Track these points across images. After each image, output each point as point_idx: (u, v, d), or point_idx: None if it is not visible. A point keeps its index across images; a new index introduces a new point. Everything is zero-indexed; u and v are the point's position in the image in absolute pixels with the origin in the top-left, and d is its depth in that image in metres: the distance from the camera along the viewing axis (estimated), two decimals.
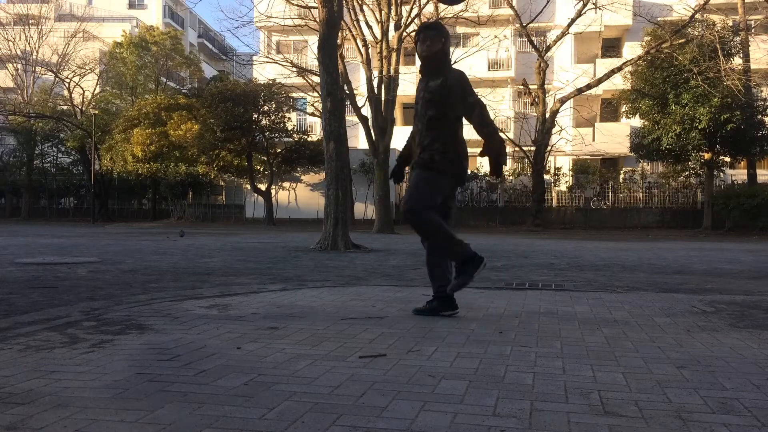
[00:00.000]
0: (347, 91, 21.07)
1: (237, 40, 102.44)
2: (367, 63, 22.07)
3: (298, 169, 28.68)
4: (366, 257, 9.13)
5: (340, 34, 15.99)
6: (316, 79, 20.78)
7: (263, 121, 26.83)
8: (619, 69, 22.90)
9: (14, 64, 37.35)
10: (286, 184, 30.02)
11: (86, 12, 42.22)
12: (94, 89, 35.93)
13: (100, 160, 31.87)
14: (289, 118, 28.42)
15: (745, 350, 2.77)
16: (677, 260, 8.99)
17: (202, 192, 33.14)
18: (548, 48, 25.19)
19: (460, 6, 23.54)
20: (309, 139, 28.60)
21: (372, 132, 21.98)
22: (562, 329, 3.27)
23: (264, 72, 28.45)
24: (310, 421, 1.77)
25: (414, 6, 22.18)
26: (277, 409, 1.87)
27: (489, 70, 31.54)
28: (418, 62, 4.03)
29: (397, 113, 28.59)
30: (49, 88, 36.21)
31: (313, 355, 2.59)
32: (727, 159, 23.07)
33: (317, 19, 14.16)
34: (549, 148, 24.92)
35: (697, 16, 22.06)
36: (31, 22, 38.48)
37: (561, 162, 30.11)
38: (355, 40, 22.46)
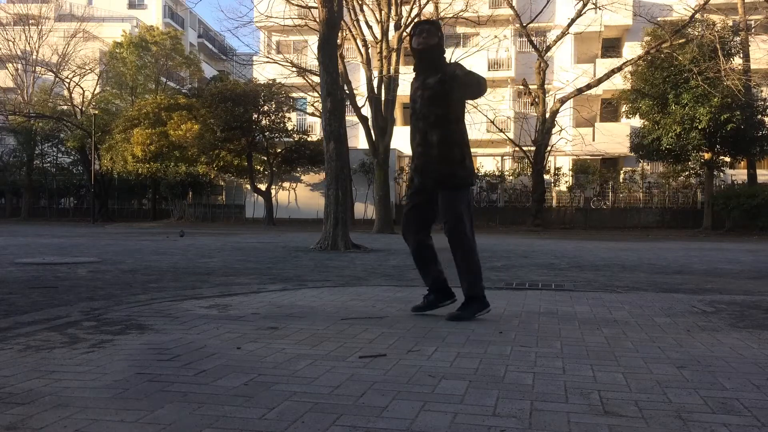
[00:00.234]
0: (347, 91, 21.07)
1: (237, 40, 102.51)
2: (367, 63, 22.06)
3: (298, 169, 28.68)
4: (366, 257, 9.13)
5: (340, 34, 15.99)
6: (316, 79, 20.78)
7: (263, 121, 26.83)
8: (619, 69, 22.89)
9: (14, 64, 37.34)
10: (286, 184, 30.02)
11: (86, 12, 42.21)
12: (94, 89, 35.92)
13: (100, 160, 31.87)
14: (289, 118, 28.42)
15: (745, 350, 2.77)
16: (677, 260, 8.99)
17: (202, 192, 33.14)
18: (548, 48, 25.18)
19: (460, 5, 23.58)
20: (309, 139, 28.60)
21: (372, 132, 21.98)
22: (562, 329, 3.27)
23: (264, 72, 28.45)
24: (310, 421, 1.77)
25: (414, 6, 22.18)
26: (277, 409, 1.87)
27: (489, 70, 31.52)
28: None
29: (397, 113, 28.58)
30: (49, 88, 36.20)
31: (313, 355, 2.59)
32: (727, 159, 23.07)
33: (317, 19, 14.16)
34: (549, 148, 24.92)
35: (697, 16, 22.05)
36: (31, 22, 38.47)
37: (561, 162, 30.10)
38: (355, 40, 22.46)
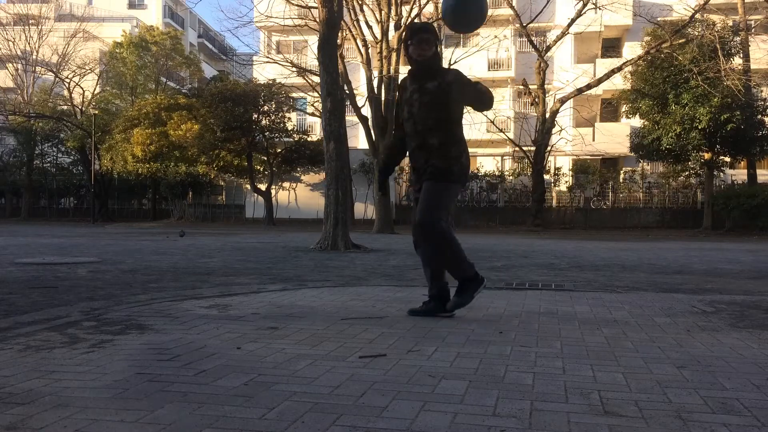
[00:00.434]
0: (347, 91, 21.07)
1: (237, 40, 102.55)
2: (367, 63, 22.07)
3: (298, 169, 28.68)
4: (366, 257, 9.13)
5: (340, 34, 15.99)
6: (316, 79, 20.78)
7: (263, 121, 26.83)
8: (619, 69, 22.90)
9: (14, 64, 37.34)
10: (286, 184, 30.02)
11: (86, 12, 42.21)
12: (94, 89, 35.93)
13: (100, 160, 31.87)
14: (289, 118, 28.43)
15: (745, 350, 2.77)
16: (677, 260, 8.99)
17: (202, 192, 33.14)
18: (548, 48, 25.18)
19: None
20: (309, 139, 28.60)
21: (372, 132, 21.98)
22: (562, 329, 3.27)
23: (264, 72, 28.46)
24: (310, 421, 1.77)
25: (414, 6, 22.18)
26: (277, 409, 1.87)
27: (489, 70, 31.55)
28: None
29: None
30: (49, 88, 36.20)
31: (313, 355, 2.59)
32: (727, 159, 23.07)
33: (317, 19, 14.16)
34: (549, 148, 24.92)
35: (697, 16, 22.06)
36: (31, 22, 38.47)
37: (561, 162, 30.11)
38: (355, 40, 22.46)
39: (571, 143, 28.04)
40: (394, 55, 21.54)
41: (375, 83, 21.91)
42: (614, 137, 29.81)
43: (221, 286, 5.28)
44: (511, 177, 28.72)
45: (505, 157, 30.66)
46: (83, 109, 34.36)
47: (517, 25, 26.02)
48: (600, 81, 23.47)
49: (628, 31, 31.57)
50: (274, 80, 26.72)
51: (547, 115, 24.10)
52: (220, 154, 27.22)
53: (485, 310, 3.91)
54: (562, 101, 23.96)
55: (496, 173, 28.74)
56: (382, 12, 21.58)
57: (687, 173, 24.89)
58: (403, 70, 24.57)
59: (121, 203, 35.36)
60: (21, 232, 18.32)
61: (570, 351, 2.73)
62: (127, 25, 41.46)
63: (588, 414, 1.86)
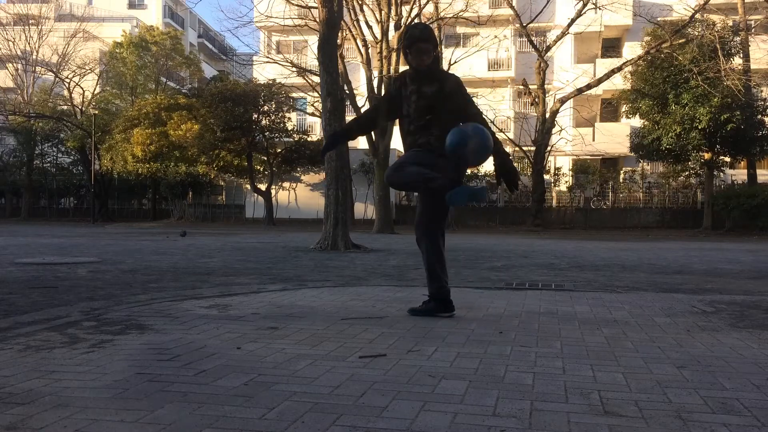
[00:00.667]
0: (347, 91, 21.07)
1: (237, 40, 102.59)
2: (367, 63, 22.07)
3: (298, 169, 28.68)
4: (366, 257, 9.13)
5: (340, 34, 16.00)
6: (316, 79, 20.78)
7: (263, 121, 26.84)
8: (619, 69, 22.90)
9: (14, 64, 37.35)
10: (286, 184, 30.03)
11: (86, 12, 42.22)
12: (94, 89, 35.93)
13: (100, 160, 31.87)
14: (289, 118, 28.43)
15: (745, 350, 2.77)
16: (677, 260, 8.99)
17: (202, 192, 33.14)
18: (548, 48, 25.19)
19: (460, 5, 23.57)
20: (309, 139, 28.60)
21: (372, 132, 21.96)
22: (562, 329, 3.27)
23: (264, 72, 28.46)
24: (310, 421, 1.77)
25: (414, 6, 22.18)
26: (277, 409, 1.87)
27: (489, 70, 31.55)
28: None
29: None
30: (49, 88, 36.21)
31: (313, 355, 2.59)
32: (727, 159, 23.08)
33: (317, 19, 14.16)
34: (549, 148, 24.92)
35: (697, 16, 22.06)
36: (31, 22, 38.47)
37: (561, 162, 30.11)
38: (355, 40, 22.46)
39: (571, 143, 28.05)
40: (394, 55, 21.54)
41: (375, 83, 21.91)
42: (614, 137, 29.81)
43: (221, 286, 5.28)
44: None
45: None
46: (83, 109, 34.36)
47: (517, 25, 26.03)
48: (600, 81, 23.47)
49: (628, 31, 31.57)
50: (274, 80, 26.73)
51: (547, 115, 24.10)
52: (220, 154, 27.22)
53: (485, 310, 3.91)
54: (562, 101, 23.96)
55: None
56: (382, 12, 21.59)
57: (687, 173, 24.90)
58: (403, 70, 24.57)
59: (121, 203, 35.37)
60: (21, 232, 18.32)
61: (570, 351, 2.73)
62: (127, 25, 41.46)
63: (588, 414, 1.86)
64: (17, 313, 3.71)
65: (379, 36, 21.68)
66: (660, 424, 1.77)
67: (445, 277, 3.60)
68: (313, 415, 1.81)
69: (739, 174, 25.48)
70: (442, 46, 24.89)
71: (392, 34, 21.91)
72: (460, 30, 30.97)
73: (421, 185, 3.52)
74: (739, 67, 21.53)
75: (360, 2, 21.77)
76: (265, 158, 27.78)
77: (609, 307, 4.07)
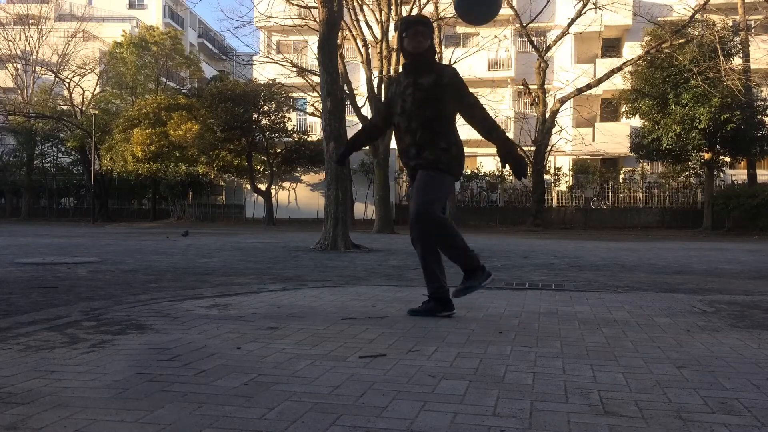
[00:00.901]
0: (347, 91, 21.08)
1: (237, 40, 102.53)
2: (367, 63, 22.07)
3: (298, 169, 28.69)
4: (366, 257, 9.13)
5: (340, 34, 16.00)
6: (316, 79, 20.78)
7: (263, 121, 26.84)
8: (619, 69, 22.90)
9: (14, 64, 37.35)
10: (286, 184, 30.03)
11: (86, 12, 42.23)
12: (94, 89, 35.93)
13: (100, 160, 31.88)
14: (289, 118, 28.43)
15: (745, 350, 2.77)
16: (677, 260, 8.99)
17: (202, 192, 33.14)
18: (548, 48, 25.19)
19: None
20: (309, 139, 28.61)
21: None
22: (562, 329, 3.27)
23: (264, 72, 28.46)
24: (310, 421, 1.77)
25: (414, 6, 22.18)
26: (277, 409, 1.87)
27: (489, 70, 31.55)
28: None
29: None
30: (49, 88, 36.21)
31: (313, 355, 2.59)
32: (727, 159, 23.08)
33: (317, 19, 14.16)
34: (549, 148, 24.93)
35: (697, 16, 22.06)
36: (31, 22, 38.48)
37: (561, 162, 30.11)
38: (355, 40, 22.46)
39: (571, 143, 28.05)
40: (394, 55, 21.54)
41: (375, 83, 21.91)
42: (614, 137, 29.81)
43: (221, 286, 5.28)
44: (511, 177, 28.71)
45: None
46: (83, 109, 34.36)
47: (517, 25, 26.03)
48: (600, 81, 23.47)
49: (628, 31, 31.57)
50: (274, 80, 26.73)
51: (547, 115, 24.10)
52: (220, 154, 27.23)
53: (485, 310, 3.91)
54: (562, 101, 23.96)
55: (496, 173, 28.74)
56: (382, 12, 21.59)
57: (687, 173, 24.89)
58: None
59: (121, 203, 35.37)
60: (21, 232, 18.32)
61: (570, 351, 2.73)
62: (127, 25, 41.46)
63: (588, 414, 1.86)
64: (17, 313, 3.71)
65: (379, 36, 21.69)
66: (660, 424, 1.77)
67: (443, 276, 3.57)
68: (313, 415, 1.81)
69: (739, 174, 25.48)
70: (442, 46, 24.88)
71: (392, 34, 21.90)
72: (460, 30, 30.98)
73: (456, 252, 3.45)
74: (739, 67, 21.53)
75: (360, 2, 21.77)
76: (265, 158, 27.78)
77: (609, 307, 4.07)
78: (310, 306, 4.00)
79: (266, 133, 26.96)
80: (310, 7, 21.02)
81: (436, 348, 2.76)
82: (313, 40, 16.84)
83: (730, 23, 22.88)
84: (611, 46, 33.13)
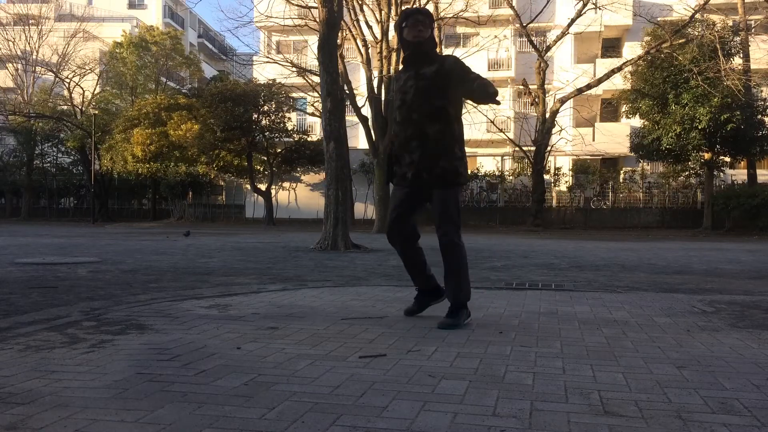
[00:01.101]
0: (347, 91, 21.07)
1: (237, 40, 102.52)
2: (367, 63, 22.07)
3: (298, 169, 28.68)
4: (366, 257, 9.13)
5: (340, 34, 16.00)
6: (316, 79, 20.78)
7: (263, 121, 26.83)
8: (619, 69, 22.90)
9: (14, 64, 37.34)
10: (286, 184, 30.02)
11: (86, 12, 42.22)
12: (94, 89, 35.93)
13: (100, 160, 31.88)
14: (289, 118, 28.43)
15: (745, 350, 2.77)
16: (677, 260, 8.99)
17: (202, 192, 33.14)
18: (548, 48, 25.19)
19: (460, 5, 23.58)
20: (309, 139, 28.60)
21: (372, 132, 21.98)
22: (562, 329, 3.27)
23: (264, 72, 28.46)
24: (310, 421, 1.77)
25: (414, 6, 22.16)
26: (277, 409, 1.87)
27: (489, 70, 31.53)
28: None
29: None
30: (49, 88, 36.20)
31: (313, 355, 2.59)
32: (727, 159, 23.07)
33: (317, 19, 14.16)
34: (549, 148, 24.92)
35: (697, 16, 22.06)
36: (31, 22, 38.47)
37: (561, 162, 30.10)
38: (355, 40, 22.46)
39: (571, 143, 28.04)
40: (394, 55, 21.54)
41: (375, 83, 21.91)
42: (614, 137, 29.81)
43: (221, 286, 5.28)
44: (511, 177, 28.72)
45: (505, 157, 30.65)
46: (83, 109, 34.36)
47: (517, 25, 26.03)
48: (600, 81, 23.47)
49: (628, 31, 31.56)
50: (274, 80, 26.73)
51: (547, 115, 24.10)
52: (220, 154, 27.22)
53: (485, 310, 3.91)
54: (562, 101, 23.96)
55: (496, 173, 28.74)
56: (382, 12, 21.59)
57: (687, 173, 24.88)
58: None
59: (121, 203, 35.36)
60: (21, 232, 18.32)
61: (570, 351, 2.73)
62: (127, 25, 41.46)
63: (588, 414, 1.86)
64: (17, 313, 3.71)
65: (379, 36, 21.69)
66: (660, 424, 1.77)
67: (427, 265, 3.57)
68: (313, 415, 1.81)
69: (739, 174, 25.47)
70: (442, 46, 24.90)
71: (392, 34, 21.90)
72: (460, 30, 30.98)
73: (457, 289, 3.35)
74: (739, 67, 21.52)
75: (360, 2, 21.77)
76: (265, 158, 27.78)
77: (609, 307, 4.07)
78: (310, 306, 4.00)
79: (266, 133, 26.95)
80: (310, 7, 21.01)
81: (436, 348, 2.76)
82: (313, 40, 16.84)
83: (730, 23, 22.87)
84: (611, 46, 33.12)
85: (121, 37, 35.51)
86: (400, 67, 3.57)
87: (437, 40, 24.00)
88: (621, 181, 27.83)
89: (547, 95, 24.71)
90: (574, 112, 28.68)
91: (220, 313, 3.66)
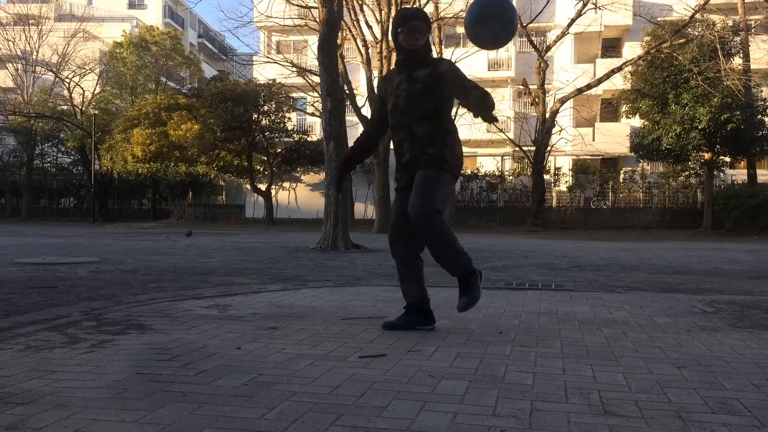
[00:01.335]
0: (347, 91, 21.08)
1: (237, 40, 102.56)
2: (367, 63, 22.07)
3: (298, 169, 28.69)
4: (366, 257, 9.13)
5: (340, 34, 16.00)
6: (316, 79, 20.78)
7: (263, 121, 26.84)
8: (619, 69, 22.90)
9: (14, 64, 37.34)
10: (286, 184, 30.03)
11: (86, 12, 42.22)
12: (94, 89, 35.93)
13: (100, 160, 31.88)
14: (289, 118, 28.43)
15: (745, 350, 2.77)
16: (677, 260, 8.99)
17: (202, 192, 33.15)
18: (548, 48, 25.19)
19: (460, 5, 23.56)
20: (309, 139, 28.61)
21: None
22: (562, 329, 3.27)
23: (264, 72, 28.46)
24: (310, 421, 1.77)
25: (414, 6, 22.18)
26: (277, 409, 1.87)
27: (489, 70, 31.53)
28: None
29: None
30: (49, 88, 36.21)
31: (313, 355, 2.59)
32: (727, 159, 23.07)
33: (317, 19, 14.16)
34: (549, 148, 24.92)
35: (697, 16, 22.06)
36: (31, 22, 38.47)
37: (561, 162, 30.11)
38: (355, 40, 22.47)
39: (571, 143, 28.04)
40: (394, 55, 21.53)
41: (375, 83, 21.90)
42: (614, 137, 29.81)
43: (221, 286, 5.28)
44: (511, 177, 28.72)
45: (505, 157, 30.65)
46: (83, 109, 34.36)
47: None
48: (600, 81, 23.47)
49: (628, 31, 31.56)
50: (274, 80, 26.73)
51: (547, 115, 24.10)
52: (220, 154, 27.23)
53: (485, 310, 3.91)
54: (562, 101, 23.96)
55: (496, 173, 28.74)
56: (382, 12, 21.59)
57: (687, 173, 24.89)
58: None
59: (121, 203, 35.37)
60: (21, 232, 18.32)
61: (570, 351, 2.73)
62: (127, 25, 41.45)
63: (588, 414, 1.86)
64: (17, 313, 3.71)
65: (379, 36, 21.69)
66: (660, 424, 1.77)
67: (424, 284, 3.30)
68: (313, 415, 1.81)
69: (739, 174, 25.47)
70: (442, 46, 24.88)
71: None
72: (460, 30, 30.95)
73: (450, 257, 3.05)
74: (739, 67, 21.52)
75: (360, 2, 21.78)
76: (265, 158, 27.78)
77: (609, 307, 4.06)
78: (310, 306, 4.00)
79: (266, 133, 26.96)
80: (310, 7, 21.02)
81: (436, 348, 2.76)
82: (313, 40, 16.84)
83: (730, 23, 22.87)
84: (611, 46, 33.12)
85: (121, 37, 35.51)
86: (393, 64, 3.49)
87: (437, 39, 24.03)
88: (621, 181, 27.83)
89: (547, 95, 24.71)
90: (574, 112, 28.68)
91: (220, 313, 3.65)
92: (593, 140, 30.02)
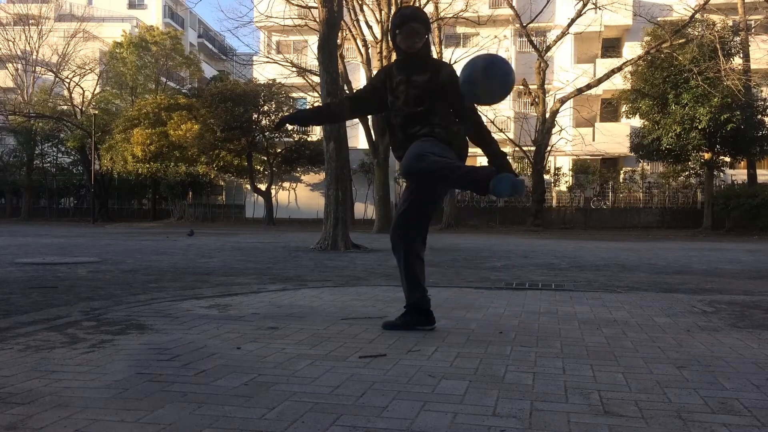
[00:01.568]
0: (347, 91, 21.07)
1: (237, 40, 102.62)
2: (367, 63, 22.07)
3: (298, 169, 28.69)
4: (366, 257, 9.13)
5: (340, 34, 16.00)
6: (316, 79, 20.78)
7: (263, 121, 26.84)
8: (619, 69, 22.90)
9: (14, 64, 37.34)
10: (286, 184, 30.03)
11: (86, 12, 42.22)
12: (94, 89, 35.93)
13: (100, 160, 31.87)
14: None
15: (745, 350, 2.77)
16: (677, 260, 8.99)
17: (202, 192, 33.15)
18: (548, 48, 25.18)
19: (460, 5, 23.58)
20: (309, 139, 28.61)
21: (372, 132, 21.98)
22: (562, 329, 3.27)
23: (264, 72, 28.47)
24: (310, 421, 1.77)
25: (413, 4, 22.18)
26: (277, 409, 1.87)
27: None
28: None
29: None
30: (49, 88, 36.20)
31: (313, 355, 2.59)
32: (727, 159, 23.07)
33: (317, 19, 14.16)
34: (549, 148, 24.92)
35: (697, 16, 22.06)
36: (31, 22, 38.47)
37: (561, 162, 30.11)
38: (355, 40, 22.47)
39: (571, 143, 28.04)
40: (393, 55, 21.52)
41: None
42: (614, 137, 29.81)
43: (221, 286, 5.28)
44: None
45: None
46: (83, 109, 34.36)
47: (517, 25, 26.02)
48: (600, 81, 23.47)
49: (628, 31, 31.57)
50: (274, 80, 26.73)
51: (547, 115, 24.10)
52: (220, 154, 27.23)
53: (485, 310, 3.91)
54: (562, 101, 23.95)
55: None
56: (382, 12, 21.59)
57: (687, 173, 24.89)
58: None
59: (121, 203, 35.37)
60: (21, 232, 18.32)
61: (570, 351, 2.73)
62: (127, 25, 41.45)
63: (588, 414, 1.86)
64: (17, 313, 3.71)
65: (379, 36, 21.69)
66: (660, 424, 1.77)
67: (425, 284, 3.27)
68: (313, 415, 1.81)
69: (739, 174, 25.47)
70: (442, 46, 24.88)
71: None
72: (460, 30, 30.97)
73: (451, 174, 2.89)
74: (739, 67, 21.52)
75: (360, 2, 21.78)
76: (265, 158, 27.79)
77: (609, 307, 4.06)
78: (310, 306, 4.00)
79: (266, 133, 26.97)
80: (310, 7, 21.02)
81: (436, 348, 2.76)
82: (313, 40, 16.84)
83: (730, 23, 22.87)
84: (611, 46, 33.12)
85: (121, 37, 35.51)
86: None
87: (437, 39, 24.01)
88: (621, 181, 27.84)
89: (547, 95, 24.70)
90: (574, 112, 28.68)
91: (220, 313, 3.65)
92: (593, 140, 30.03)
